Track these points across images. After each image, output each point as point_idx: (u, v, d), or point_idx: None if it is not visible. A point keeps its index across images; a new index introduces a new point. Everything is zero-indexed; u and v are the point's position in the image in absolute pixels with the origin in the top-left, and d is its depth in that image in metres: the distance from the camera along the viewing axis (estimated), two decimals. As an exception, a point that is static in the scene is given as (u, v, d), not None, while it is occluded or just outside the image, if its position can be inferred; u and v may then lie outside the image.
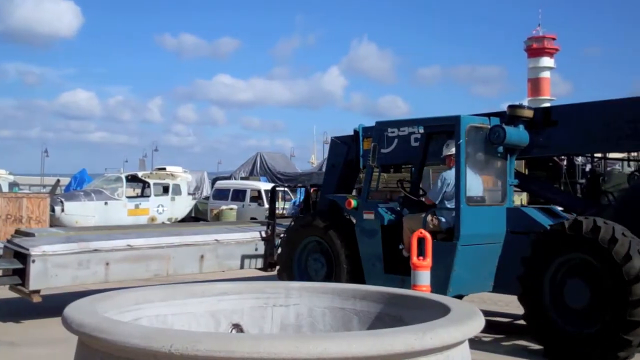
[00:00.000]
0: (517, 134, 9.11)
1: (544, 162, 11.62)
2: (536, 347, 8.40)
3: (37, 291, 9.55)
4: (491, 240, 8.95)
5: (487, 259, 8.94)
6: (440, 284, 8.31)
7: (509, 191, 9.26)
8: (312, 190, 12.38)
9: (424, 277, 7.72)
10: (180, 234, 11.34)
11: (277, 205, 12.62)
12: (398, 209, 9.65)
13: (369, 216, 9.60)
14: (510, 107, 9.36)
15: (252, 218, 21.85)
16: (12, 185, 35.09)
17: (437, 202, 9.01)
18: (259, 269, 11.89)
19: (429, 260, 7.79)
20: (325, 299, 4.37)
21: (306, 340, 2.87)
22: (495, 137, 8.88)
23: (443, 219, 8.90)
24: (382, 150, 9.94)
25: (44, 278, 9.50)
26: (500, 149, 9.05)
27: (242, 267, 11.65)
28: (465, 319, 3.30)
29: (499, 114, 9.36)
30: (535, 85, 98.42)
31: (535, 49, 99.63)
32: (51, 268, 9.53)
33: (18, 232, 10.88)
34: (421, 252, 7.84)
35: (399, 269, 9.20)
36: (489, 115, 9.30)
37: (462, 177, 8.66)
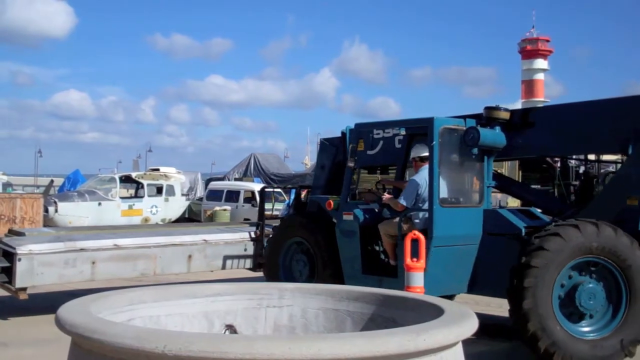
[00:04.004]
0: (493, 136, 9.17)
1: (537, 164, 11.66)
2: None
3: (24, 289, 9.75)
4: (466, 242, 8.96)
5: (462, 260, 8.96)
6: None
7: (486, 193, 9.31)
8: (303, 191, 12.41)
9: (417, 278, 7.74)
10: (168, 234, 11.47)
11: (268, 206, 12.67)
12: (377, 210, 9.73)
13: (348, 217, 9.64)
14: (486, 108, 9.42)
15: (245, 219, 21.83)
16: (6, 185, 35.08)
17: (409, 206, 9.03)
18: (249, 269, 11.96)
19: (422, 262, 7.81)
20: (318, 300, 4.37)
21: (299, 341, 2.88)
22: (470, 139, 8.94)
23: (417, 221, 8.95)
24: (368, 152, 10.00)
25: (30, 276, 9.69)
26: (475, 150, 9.10)
27: (230, 267, 11.80)
28: (459, 321, 3.30)
29: (476, 116, 9.42)
30: (529, 87, 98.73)
31: (529, 51, 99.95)
32: (37, 266, 9.72)
33: (10, 232, 11.12)
34: (398, 255, 7.90)
35: (377, 270, 9.32)
36: (464, 117, 9.36)
37: (435, 178, 8.70)
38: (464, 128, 9.01)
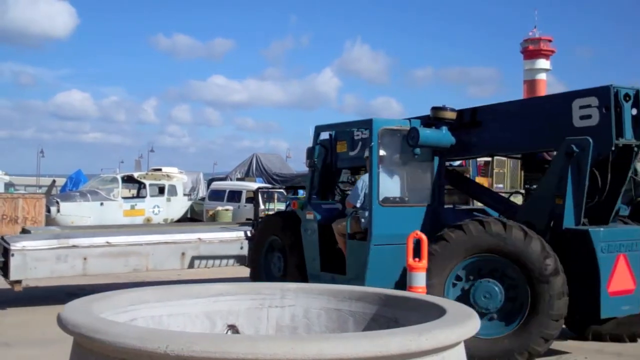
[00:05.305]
0: (435, 136, 9.25)
1: (539, 164, 11.65)
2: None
3: (18, 281, 10.49)
4: None
5: (403, 259, 9.02)
6: (355, 283, 8.40)
7: (437, 192, 9.40)
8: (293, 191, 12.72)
9: (419, 278, 7.74)
10: (162, 233, 11.93)
11: (267, 206, 12.93)
12: (340, 209, 10.03)
13: (309, 216, 9.97)
14: (432, 109, 9.53)
15: (247, 219, 21.82)
16: (8, 185, 35.09)
17: (358, 205, 9.19)
18: (245, 265, 12.16)
19: (424, 262, 7.82)
20: (320, 300, 4.37)
21: (302, 341, 2.88)
22: (411, 139, 9.09)
23: (363, 220, 9.11)
24: (350, 153, 10.24)
25: (23, 270, 10.40)
26: (418, 150, 9.18)
27: (226, 265, 12.11)
28: (461, 321, 3.30)
29: (423, 117, 9.55)
30: (531, 87, 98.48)
31: (532, 51, 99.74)
32: (30, 261, 10.41)
33: (23, 231, 12.23)
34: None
35: (331, 268, 9.52)
36: (410, 118, 9.50)
37: (375, 178, 8.87)
38: (408, 129, 9.12)
